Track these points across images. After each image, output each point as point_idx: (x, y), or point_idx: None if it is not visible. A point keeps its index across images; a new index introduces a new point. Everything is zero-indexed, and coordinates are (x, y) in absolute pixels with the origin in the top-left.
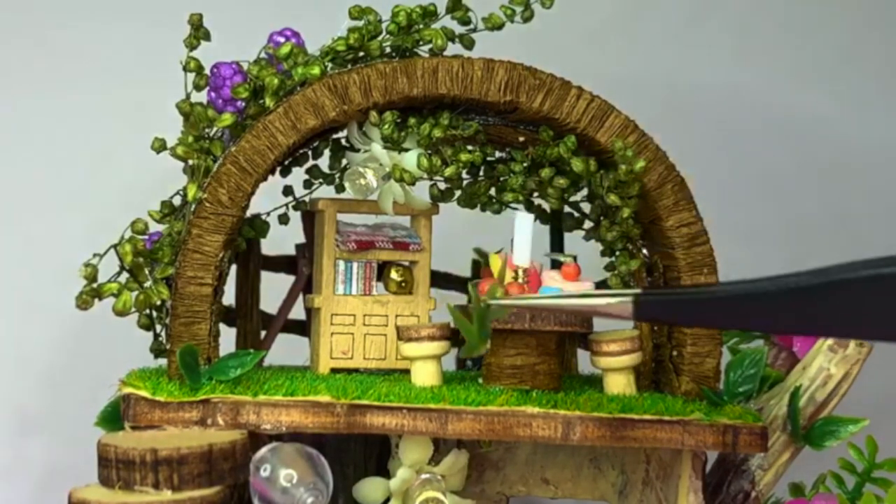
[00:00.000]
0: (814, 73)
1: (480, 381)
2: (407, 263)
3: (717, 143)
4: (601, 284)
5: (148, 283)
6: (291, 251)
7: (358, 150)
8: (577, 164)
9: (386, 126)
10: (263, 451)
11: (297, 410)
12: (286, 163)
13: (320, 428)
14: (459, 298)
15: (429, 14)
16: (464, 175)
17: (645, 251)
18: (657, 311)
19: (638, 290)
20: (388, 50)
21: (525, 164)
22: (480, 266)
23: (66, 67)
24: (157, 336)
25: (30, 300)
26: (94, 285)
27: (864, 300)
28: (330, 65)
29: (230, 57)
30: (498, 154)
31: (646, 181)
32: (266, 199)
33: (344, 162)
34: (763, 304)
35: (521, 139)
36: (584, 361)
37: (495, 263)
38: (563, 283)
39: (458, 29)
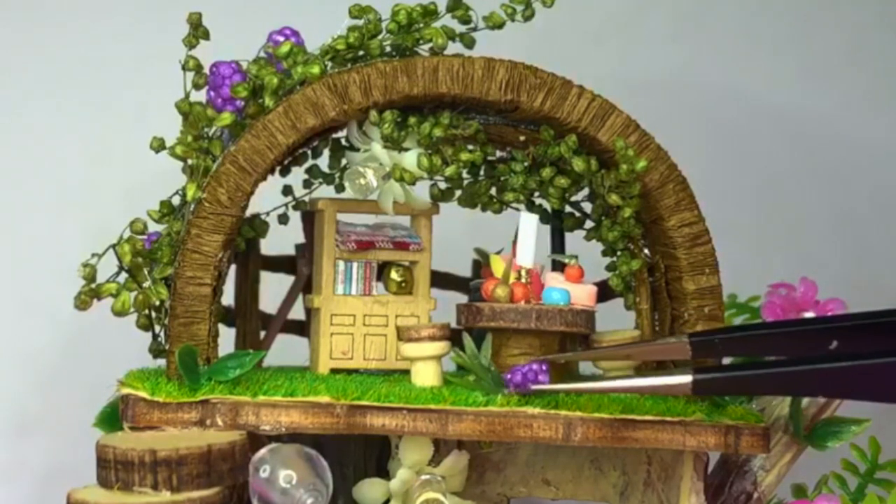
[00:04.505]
0: (816, 73)
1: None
2: (407, 263)
3: (719, 142)
4: (602, 285)
5: (147, 284)
6: (291, 251)
7: (358, 150)
8: (578, 164)
9: (386, 125)
10: (263, 451)
11: (296, 411)
12: (286, 162)
13: (320, 429)
14: (460, 298)
15: (429, 13)
16: (464, 175)
17: (646, 251)
18: (714, 387)
19: (690, 378)
20: (388, 49)
21: (526, 164)
22: (481, 266)
23: (65, 66)
24: (155, 336)
25: (28, 300)
26: (93, 285)
27: None
28: (330, 64)
29: (229, 56)
30: (499, 153)
31: (647, 181)
32: (266, 199)
33: (344, 161)
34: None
35: (522, 138)
36: (585, 362)
37: (496, 264)
38: (566, 285)
39: (459, 28)
